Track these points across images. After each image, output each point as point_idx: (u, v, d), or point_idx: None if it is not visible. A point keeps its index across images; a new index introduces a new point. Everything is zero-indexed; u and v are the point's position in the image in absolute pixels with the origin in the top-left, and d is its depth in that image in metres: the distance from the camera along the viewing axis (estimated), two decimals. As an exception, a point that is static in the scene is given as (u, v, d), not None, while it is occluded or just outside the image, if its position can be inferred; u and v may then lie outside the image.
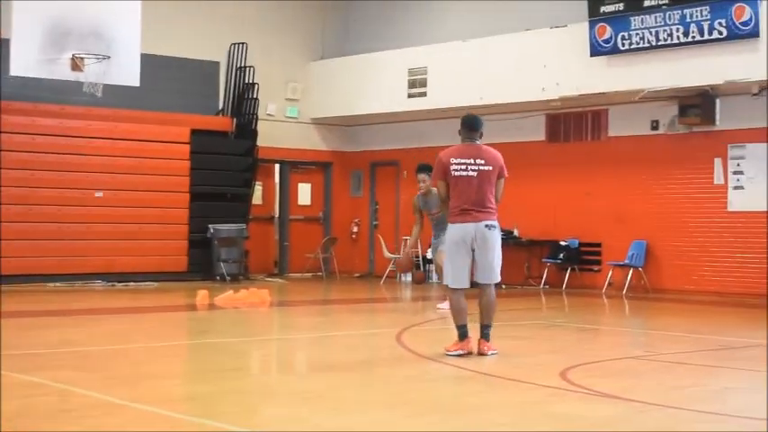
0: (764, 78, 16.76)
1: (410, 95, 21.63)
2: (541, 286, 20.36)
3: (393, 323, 13.50)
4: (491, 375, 8.89)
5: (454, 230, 9.95)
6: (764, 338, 12.29)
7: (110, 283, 19.33)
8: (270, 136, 22.52)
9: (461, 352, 9.84)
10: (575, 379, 8.59)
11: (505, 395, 8.06)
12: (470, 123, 10.18)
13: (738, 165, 18.33)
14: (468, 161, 9.89)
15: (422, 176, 14.60)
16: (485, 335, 10.05)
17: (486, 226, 9.88)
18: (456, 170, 9.90)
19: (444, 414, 7.13)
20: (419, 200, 14.79)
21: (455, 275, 9.97)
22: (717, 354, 11.08)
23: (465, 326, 9.97)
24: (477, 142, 10.11)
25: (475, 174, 9.88)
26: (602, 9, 18.26)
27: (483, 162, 9.91)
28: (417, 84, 21.47)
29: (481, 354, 9.91)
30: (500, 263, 10.06)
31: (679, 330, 13.23)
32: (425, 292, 19.70)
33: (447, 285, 10.13)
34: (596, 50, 18.41)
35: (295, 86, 23.54)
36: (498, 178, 10.01)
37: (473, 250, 9.89)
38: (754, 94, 17.71)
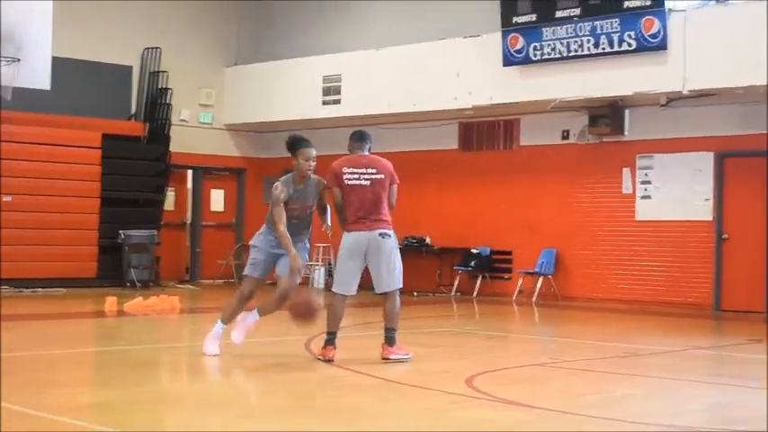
0: (672, 90, 17.07)
1: (324, 103, 21.65)
2: (453, 294, 20.50)
3: (303, 331, 13.45)
4: (397, 383, 8.93)
5: (349, 238, 10.17)
6: (670, 346, 12.53)
7: (17, 289, 19.05)
8: (183, 141, 22.41)
9: (321, 358, 10.07)
10: (480, 386, 8.67)
11: (410, 402, 8.11)
12: (359, 135, 10.46)
13: (646, 174, 18.65)
14: (360, 170, 10.12)
15: (311, 152, 10.26)
16: (388, 338, 10.15)
17: (381, 234, 10.07)
18: (349, 179, 10.10)
19: (349, 422, 7.15)
20: (289, 186, 10.27)
21: (343, 281, 10.22)
22: (622, 361, 11.24)
23: (334, 333, 10.17)
24: (366, 153, 10.34)
25: (368, 183, 10.10)
26: (515, 20, 18.43)
27: (374, 171, 10.15)
28: (332, 91, 21.50)
29: (384, 359, 9.97)
30: (400, 268, 10.18)
31: (586, 338, 13.41)
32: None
33: (333, 290, 10.39)
34: (509, 60, 18.59)
35: (209, 92, 23.45)
36: (390, 185, 10.24)
37: (366, 259, 10.14)
38: (662, 106, 18.02)
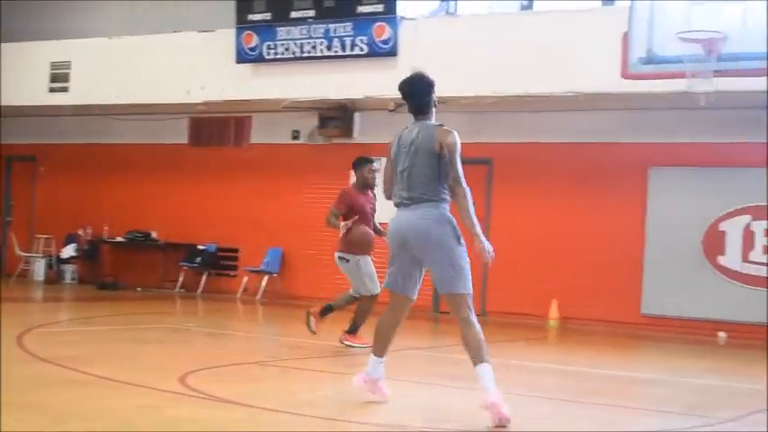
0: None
1: (51, 90, 20.97)
2: (177, 290, 20.27)
3: (18, 324, 13.01)
4: (109, 380, 8.71)
5: None
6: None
7: None
8: None
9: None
10: (194, 384, 8.57)
11: (119, 400, 7.91)
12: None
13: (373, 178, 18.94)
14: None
15: None
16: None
17: None
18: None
19: (55, 420, 6.91)
20: None
21: None
22: (338, 360, 11.39)
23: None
24: None
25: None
26: (250, 17, 18.43)
27: None
28: (59, 78, 20.84)
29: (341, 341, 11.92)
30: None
31: (305, 337, 13.43)
32: (57, 293, 19.26)
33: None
34: (242, 57, 18.55)
35: (-73, 72, 22.29)
36: None
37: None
38: (391, 111, 18.37)
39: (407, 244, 7.72)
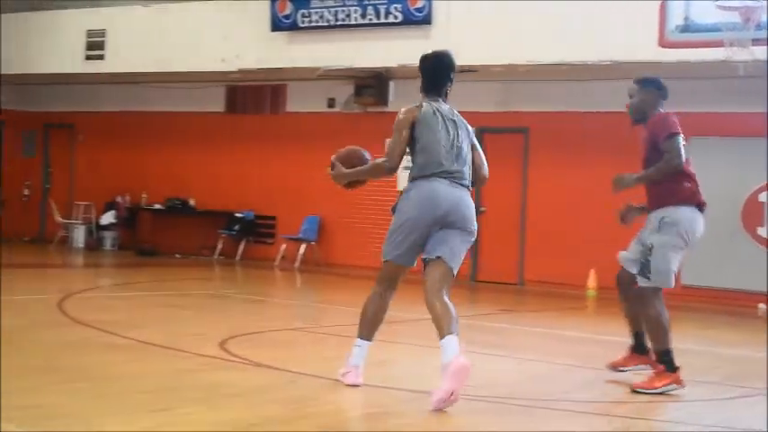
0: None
1: (88, 57, 21.05)
2: (215, 257, 20.41)
3: (59, 289, 13.18)
4: (150, 344, 8.84)
5: None
6: (423, 314, 12.82)
7: None
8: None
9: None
10: (233, 349, 8.69)
11: (159, 364, 8.04)
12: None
13: (408, 146, 18.99)
14: None
15: None
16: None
17: None
18: None
19: (93, 381, 7.05)
20: None
21: None
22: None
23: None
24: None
25: None
26: (285, -15, 18.44)
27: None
28: (95, 46, 20.92)
29: None
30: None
31: (343, 304, 13.57)
32: (97, 259, 19.46)
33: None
34: (277, 26, 18.56)
35: (-34, 40, 22.45)
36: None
37: None
38: (426, 79, 18.34)
39: (441, 221, 7.15)
